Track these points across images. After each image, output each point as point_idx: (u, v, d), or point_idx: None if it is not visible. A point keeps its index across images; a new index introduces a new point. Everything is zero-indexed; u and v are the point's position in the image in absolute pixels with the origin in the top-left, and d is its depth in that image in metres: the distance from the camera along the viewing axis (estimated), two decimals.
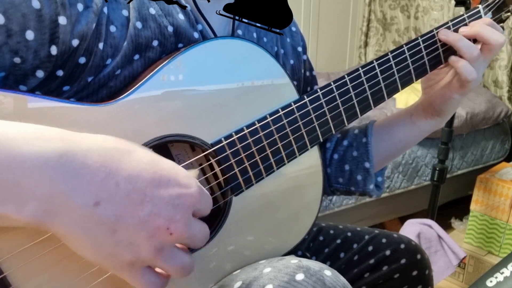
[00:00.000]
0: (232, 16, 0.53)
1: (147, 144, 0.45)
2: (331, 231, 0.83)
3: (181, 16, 0.52)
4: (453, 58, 0.62)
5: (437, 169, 1.54)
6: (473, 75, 0.60)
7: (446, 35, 0.61)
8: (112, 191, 0.34)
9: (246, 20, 0.55)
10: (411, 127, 0.70)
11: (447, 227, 1.83)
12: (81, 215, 0.34)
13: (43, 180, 0.32)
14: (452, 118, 1.50)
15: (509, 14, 0.69)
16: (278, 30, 0.60)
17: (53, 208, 0.33)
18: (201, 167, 0.54)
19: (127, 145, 0.38)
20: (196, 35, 0.53)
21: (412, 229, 1.53)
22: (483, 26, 0.61)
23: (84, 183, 0.33)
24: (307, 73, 0.73)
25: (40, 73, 0.43)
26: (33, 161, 0.32)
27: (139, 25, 0.48)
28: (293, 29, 0.71)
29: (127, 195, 0.35)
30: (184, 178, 0.39)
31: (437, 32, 0.62)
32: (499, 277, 0.76)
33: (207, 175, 0.54)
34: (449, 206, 2.05)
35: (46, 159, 0.33)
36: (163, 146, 0.47)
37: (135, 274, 0.37)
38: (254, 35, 0.63)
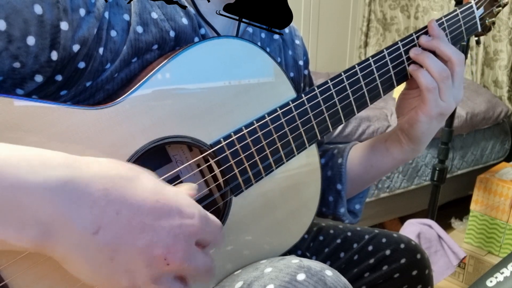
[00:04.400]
0: (231, 16, 0.53)
1: (146, 147, 0.45)
2: (331, 231, 0.83)
3: (184, 21, 0.51)
4: (413, 66, 0.61)
5: (437, 169, 1.54)
6: (433, 84, 0.58)
7: (416, 54, 0.60)
8: (112, 218, 0.34)
9: (246, 21, 0.55)
10: (384, 154, 0.68)
11: (447, 227, 1.83)
12: (81, 240, 0.34)
13: (45, 204, 0.32)
14: (452, 118, 1.50)
15: (500, 8, 0.69)
16: (278, 30, 0.61)
17: (53, 232, 0.33)
18: (199, 168, 0.54)
19: (131, 171, 0.37)
20: (196, 40, 0.53)
21: (412, 229, 1.53)
22: (444, 41, 0.60)
23: (86, 209, 0.33)
24: (306, 88, 0.73)
25: (38, 78, 0.42)
26: (37, 188, 0.32)
27: (139, 29, 0.47)
28: (297, 42, 0.70)
29: (127, 223, 0.35)
30: (187, 207, 0.38)
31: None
32: (499, 277, 0.76)
33: (206, 178, 0.54)
34: (449, 206, 2.05)
35: (50, 186, 0.33)
36: (160, 147, 0.47)
37: None
38: (259, 44, 0.63)
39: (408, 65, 0.62)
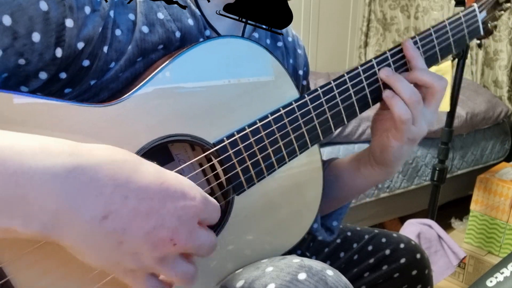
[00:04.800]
0: (231, 16, 0.54)
1: (149, 145, 0.45)
2: None
3: (190, 21, 0.52)
4: (387, 93, 0.58)
5: (437, 169, 1.54)
6: (407, 115, 0.56)
7: (387, 75, 0.58)
8: (120, 204, 0.35)
9: (252, 23, 0.55)
10: (356, 173, 0.67)
11: (447, 227, 1.83)
12: (89, 229, 0.34)
13: (51, 194, 0.32)
14: (452, 118, 1.50)
15: (502, 12, 0.69)
16: (278, 30, 0.61)
17: (60, 223, 0.33)
18: (202, 168, 0.54)
19: (135, 157, 0.38)
20: (201, 40, 0.53)
21: (412, 229, 1.53)
22: (422, 70, 0.58)
23: (93, 197, 0.34)
24: None
25: (43, 75, 0.42)
26: (42, 176, 0.32)
27: (145, 29, 0.48)
28: (299, 51, 0.70)
29: (134, 208, 0.35)
30: (189, 189, 0.39)
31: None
32: (499, 277, 0.76)
33: (208, 176, 0.54)
34: (449, 206, 2.05)
35: (55, 174, 0.32)
36: (163, 146, 0.47)
37: (138, 280, 0.38)
38: None
39: (384, 90, 0.59)
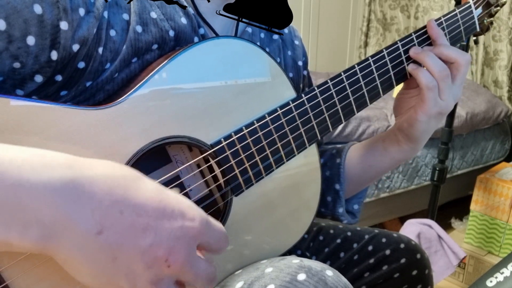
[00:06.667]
0: (231, 16, 0.53)
1: (147, 147, 0.45)
2: (331, 231, 0.83)
3: (183, 20, 0.51)
4: (411, 65, 0.61)
5: (437, 169, 1.54)
6: (433, 82, 0.59)
7: (416, 53, 0.61)
8: (116, 219, 0.34)
9: (246, 20, 0.55)
10: (382, 153, 0.68)
11: (447, 227, 1.83)
12: (84, 241, 0.33)
13: (47, 205, 0.32)
14: (452, 118, 1.50)
15: (498, 8, 0.69)
16: (278, 30, 0.61)
17: (56, 233, 0.33)
18: (200, 169, 0.54)
19: (133, 172, 0.37)
20: (196, 39, 0.53)
21: (412, 229, 1.53)
22: (445, 46, 0.60)
23: (89, 210, 0.33)
24: (306, 89, 0.73)
25: (38, 78, 0.42)
26: (39, 188, 0.32)
27: (139, 29, 0.47)
28: (296, 42, 0.70)
29: (130, 224, 0.34)
30: (189, 209, 0.38)
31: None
32: (499, 277, 0.76)
33: (206, 178, 0.54)
34: (449, 206, 2.05)
35: (52, 186, 0.32)
36: (160, 148, 0.47)
37: None
38: (258, 44, 0.63)
39: (407, 65, 0.62)
